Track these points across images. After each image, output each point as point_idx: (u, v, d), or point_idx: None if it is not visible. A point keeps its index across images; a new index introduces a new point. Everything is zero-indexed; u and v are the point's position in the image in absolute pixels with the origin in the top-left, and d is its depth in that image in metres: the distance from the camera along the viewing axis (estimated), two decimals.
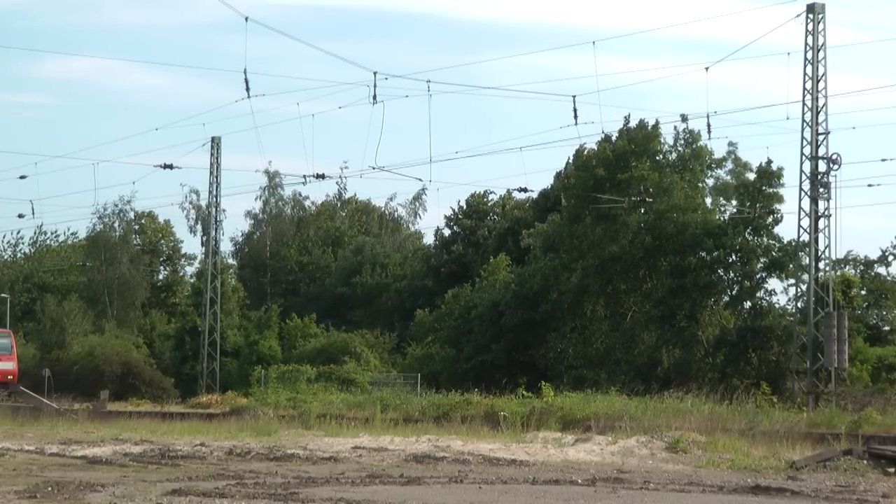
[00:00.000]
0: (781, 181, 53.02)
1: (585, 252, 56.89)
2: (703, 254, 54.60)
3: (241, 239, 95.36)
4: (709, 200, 56.86)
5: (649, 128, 56.79)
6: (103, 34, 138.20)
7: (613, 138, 56.99)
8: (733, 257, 54.40)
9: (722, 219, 55.12)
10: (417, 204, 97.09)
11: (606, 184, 55.76)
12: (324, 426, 33.35)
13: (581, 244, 57.18)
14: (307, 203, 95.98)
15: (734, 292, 55.45)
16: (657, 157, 57.01)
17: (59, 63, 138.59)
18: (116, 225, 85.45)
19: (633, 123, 57.02)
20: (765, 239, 54.00)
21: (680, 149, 56.79)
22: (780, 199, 53.54)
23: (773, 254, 53.35)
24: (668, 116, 78.08)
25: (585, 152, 58.03)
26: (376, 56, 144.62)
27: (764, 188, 53.50)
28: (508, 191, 76.88)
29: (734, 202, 55.11)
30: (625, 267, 56.90)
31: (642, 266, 56.93)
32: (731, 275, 54.81)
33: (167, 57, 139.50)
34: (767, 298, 54.74)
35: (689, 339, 54.59)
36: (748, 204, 53.82)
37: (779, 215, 53.49)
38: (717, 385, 46.75)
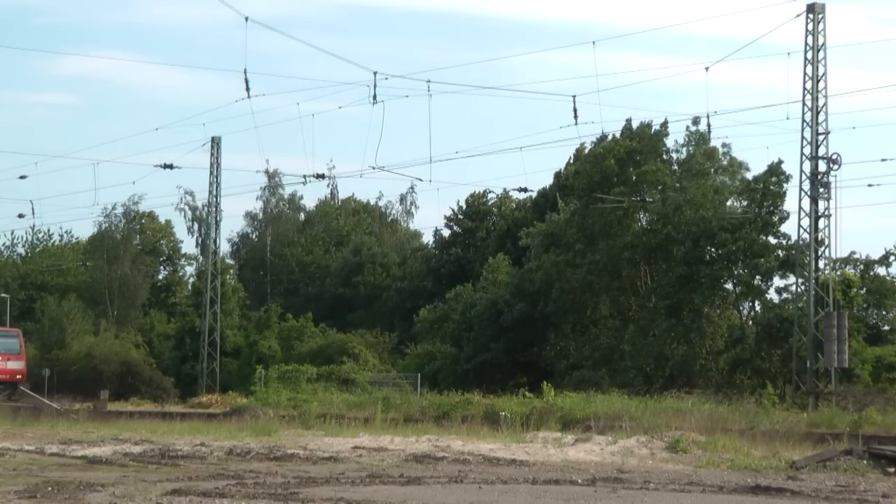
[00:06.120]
0: (786, 183, 53.30)
1: (592, 247, 56.98)
2: (713, 249, 54.71)
3: (237, 239, 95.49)
4: (718, 199, 56.90)
5: (658, 126, 57.16)
6: (104, 33, 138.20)
7: (612, 137, 57.29)
8: (741, 255, 54.37)
9: (731, 217, 55.15)
10: (408, 202, 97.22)
11: (615, 178, 55.94)
12: (324, 426, 33.28)
13: (589, 238, 57.30)
14: (306, 203, 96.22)
15: (741, 290, 55.52)
16: (665, 157, 57.28)
17: (59, 62, 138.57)
18: (121, 225, 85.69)
19: (635, 124, 57.53)
20: (770, 238, 54.14)
21: (691, 149, 56.97)
22: (780, 198, 53.73)
23: (780, 252, 53.44)
24: (668, 116, 78.13)
25: (600, 146, 58.16)
26: (376, 56, 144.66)
27: (772, 187, 53.63)
28: (506, 190, 77.06)
29: (744, 202, 55.23)
30: (632, 262, 56.99)
31: (650, 262, 56.99)
32: (743, 271, 54.78)
33: (168, 56, 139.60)
34: (778, 296, 55.12)
35: (696, 335, 54.52)
36: (754, 205, 53.89)
37: (785, 214, 53.70)
38: (724, 385, 46.80)
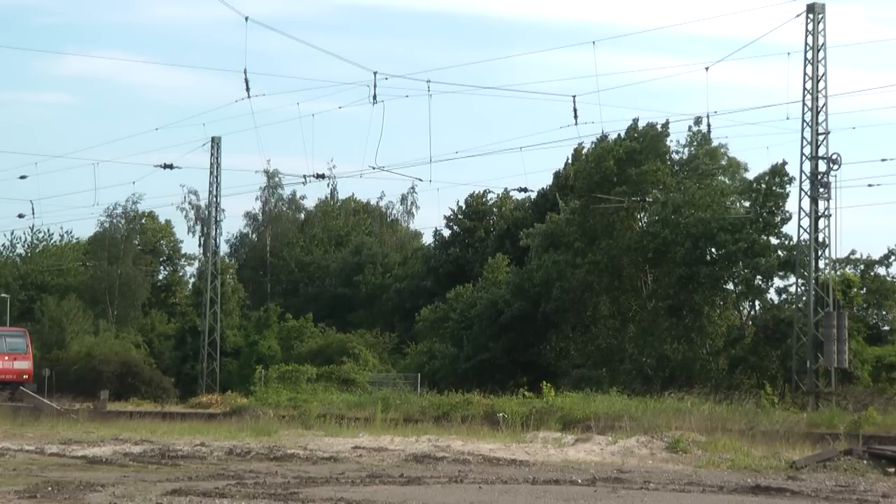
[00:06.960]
0: (789, 185, 53.34)
1: (594, 247, 56.94)
2: (715, 250, 54.70)
3: (235, 240, 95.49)
4: (722, 200, 56.85)
5: (658, 128, 57.15)
6: (104, 33, 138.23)
7: (617, 136, 57.36)
8: (742, 255, 54.33)
9: (734, 218, 55.15)
10: (409, 202, 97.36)
11: (615, 178, 55.90)
12: (324, 426, 33.26)
13: (590, 238, 57.26)
14: (306, 203, 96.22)
15: (741, 290, 55.49)
16: (667, 157, 57.28)
17: (59, 62, 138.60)
18: (122, 224, 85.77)
19: (639, 124, 57.52)
20: (772, 239, 54.11)
21: (692, 149, 56.93)
22: (783, 198, 53.79)
23: (780, 253, 53.42)
24: (668, 116, 78.32)
25: (601, 146, 58.07)
26: (376, 56, 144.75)
27: (775, 188, 53.61)
28: (506, 190, 77.08)
29: (745, 202, 55.21)
30: (633, 262, 56.95)
31: (651, 262, 56.97)
32: (744, 270, 54.74)
33: (168, 56, 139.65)
34: (778, 297, 55.12)
35: (696, 335, 54.47)
36: (756, 206, 53.85)
37: (787, 214, 53.68)
38: (723, 384, 46.67)
